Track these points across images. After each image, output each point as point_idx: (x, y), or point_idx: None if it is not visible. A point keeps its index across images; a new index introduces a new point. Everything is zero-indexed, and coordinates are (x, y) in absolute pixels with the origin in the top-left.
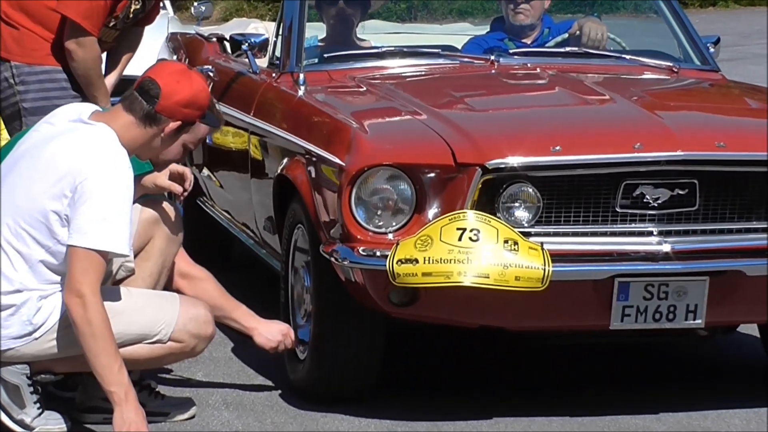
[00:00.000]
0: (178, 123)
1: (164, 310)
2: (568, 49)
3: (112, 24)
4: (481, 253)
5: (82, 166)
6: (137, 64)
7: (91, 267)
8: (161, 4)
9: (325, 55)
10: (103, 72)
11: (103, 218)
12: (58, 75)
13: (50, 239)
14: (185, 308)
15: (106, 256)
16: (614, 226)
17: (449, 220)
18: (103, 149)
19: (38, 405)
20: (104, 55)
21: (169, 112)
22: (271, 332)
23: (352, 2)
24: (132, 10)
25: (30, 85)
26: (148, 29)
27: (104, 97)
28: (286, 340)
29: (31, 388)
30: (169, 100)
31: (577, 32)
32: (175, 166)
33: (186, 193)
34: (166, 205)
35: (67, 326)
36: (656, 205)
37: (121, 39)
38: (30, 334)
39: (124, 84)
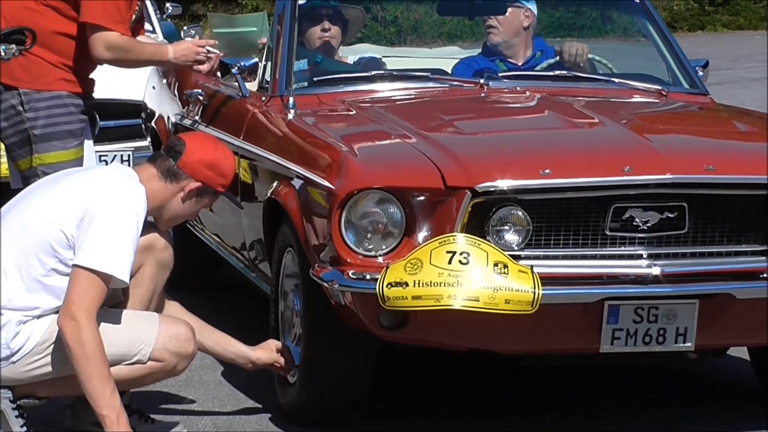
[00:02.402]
0: (199, 184)
1: (142, 330)
2: (557, 72)
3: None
4: (471, 277)
5: (97, 192)
6: (127, 88)
7: (91, 290)
8: (152, 28)
9: (315, 79)
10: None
11: (108, 242)
12: (67, 100)
13: (52, 257)
14: (165, 327)
15: (108, 281)
16: (604, 249)
17: (439, 243)
18: (119, 180)
19: (25, 429)
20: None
21: (190, 169)
22: (261, 363)
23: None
24: (135, 19)
25: (39, 111)
26: None
27: (160, 51)
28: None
29: (16, 412)
30: (191, 157)
31: (557, 58)
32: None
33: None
34: (157, 231)
35: (44, 351)
36: (645, 228)
37: None
38: (8, 358)
39: (114, 107)
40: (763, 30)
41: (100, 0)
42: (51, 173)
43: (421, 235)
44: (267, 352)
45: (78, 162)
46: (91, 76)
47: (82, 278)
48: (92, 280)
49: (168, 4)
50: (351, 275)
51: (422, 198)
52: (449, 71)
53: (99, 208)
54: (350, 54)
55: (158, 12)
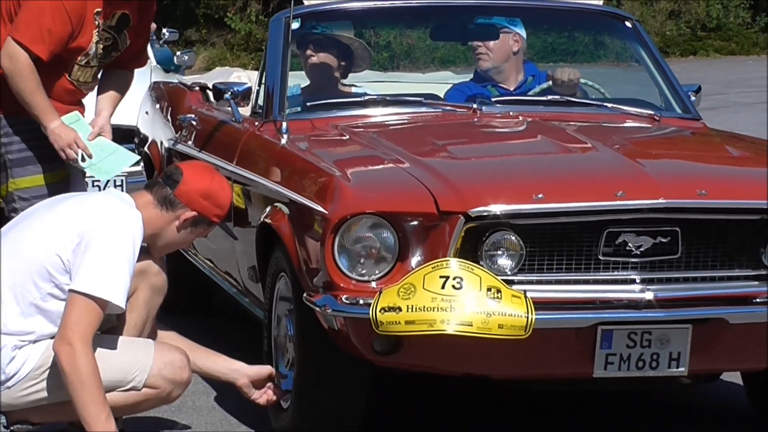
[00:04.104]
0: (194, 213)
1: (138, 356)
2: (550, 97)
3: (84, 62)
4: (464, 301)
5: (94, 217)
6: (121, 113)
7: (87, 316)
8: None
9: (308, 104)
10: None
11: (105, 267)
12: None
13: (48, 282)
14: (160, 353)
15: (104, 306)
16: (597, 273)
17: (432, 268)
18: (116, 206)
19: None
20: (93, 95)
21: (186, 198)
22: (256, 377)
23: (333, 57)
24: (102, 47)
25: (13, 136)
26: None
27: (46, 114)
28: (268, 396)
29: None
30: (188, 186)
31: (550, 82)
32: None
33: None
34: (150, 257)
35: (39, 377)
36: (639, 252)
37: (109, 81)
38: (3, 383)
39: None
40: (754, 55)
41: (29, 14)
42: (27, 198)
43: (415, 259)
44: (263, 368)
45: (55, 186)
46: (84, 101)
47: (78, 303)
48: (88, 306)
49: (165, 30)
50: (344, 300)
51: (415, 223)
52: (442, 96)
53: (96, 233)
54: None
55: (154, 37)
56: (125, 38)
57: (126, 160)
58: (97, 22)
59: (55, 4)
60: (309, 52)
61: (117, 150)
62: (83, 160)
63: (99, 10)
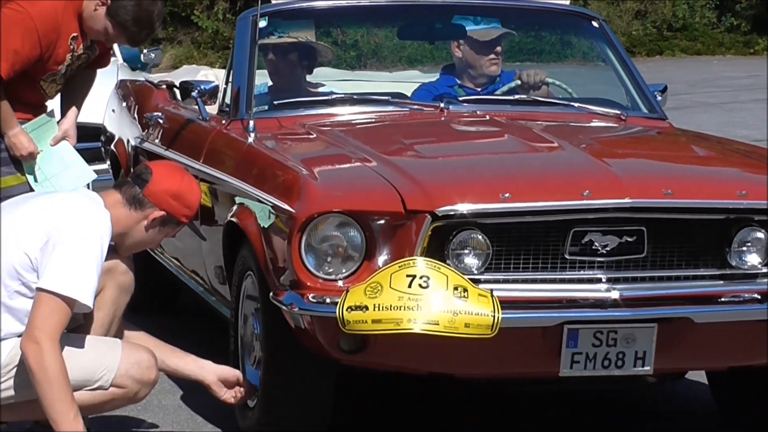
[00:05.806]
0: (163, 213)
1: (105, 356)
2: (517, 96)
3: (51, 80)
4: (431, 300)
5: (62, 215)
6: (87, 111)
7: (54, 314)
8: (111, 51)
9: (275, 102)
10: (59, 115)
11: (73, 266)
12: (22, 125)
13: (15, 280)
14: (127, 353)
15: (72, 305)
16: (563, 273)
17: (399, 267)
18: (84, 205)
19: None
20: (57, 98)
21: (155, 198)
22: (224, 377)
23: (297, 54)
24: (77, 65)
25: None
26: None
27: (6, 122)
28: (237, 394)
29: None
30: (157, 186)
31: (518, 81)
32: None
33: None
34: (118, 256)
35: (6, 375)
36: (605, 252)
37: (74, 80)
38: None
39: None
40: (720, 55)
41: (3, 31)
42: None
43: (382, 258)
44: (231, 370)
45: (23, 187)
46: (48, 102)
47: (46, 302)
48: (56, 304)
49: None
50: (311, 299)
51: (382, 222)
52: (409, 95)
53: (64, 232)
54: (312, 78)
55: None
56: (95, 50)
57: (82, 177)
58: (72, 46)
59: (28, 26)
60: (270, 56)
61: (75, 163)
62: (35, 180)
63: (75, 35)
